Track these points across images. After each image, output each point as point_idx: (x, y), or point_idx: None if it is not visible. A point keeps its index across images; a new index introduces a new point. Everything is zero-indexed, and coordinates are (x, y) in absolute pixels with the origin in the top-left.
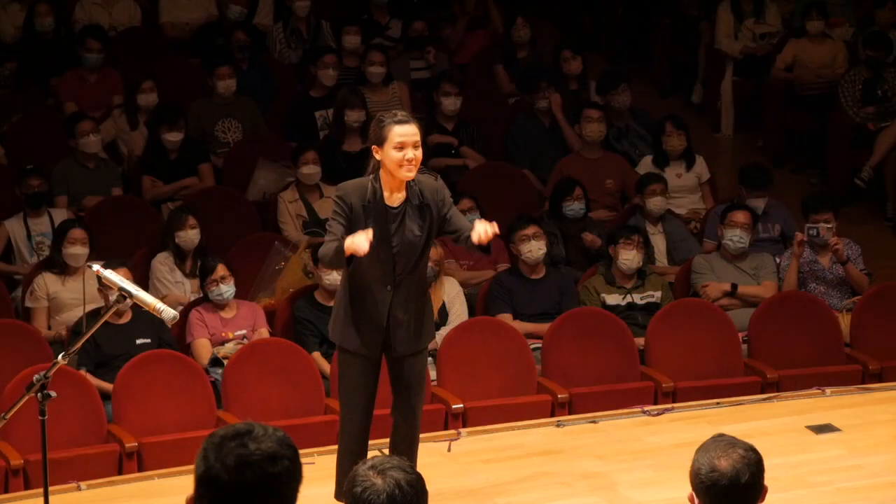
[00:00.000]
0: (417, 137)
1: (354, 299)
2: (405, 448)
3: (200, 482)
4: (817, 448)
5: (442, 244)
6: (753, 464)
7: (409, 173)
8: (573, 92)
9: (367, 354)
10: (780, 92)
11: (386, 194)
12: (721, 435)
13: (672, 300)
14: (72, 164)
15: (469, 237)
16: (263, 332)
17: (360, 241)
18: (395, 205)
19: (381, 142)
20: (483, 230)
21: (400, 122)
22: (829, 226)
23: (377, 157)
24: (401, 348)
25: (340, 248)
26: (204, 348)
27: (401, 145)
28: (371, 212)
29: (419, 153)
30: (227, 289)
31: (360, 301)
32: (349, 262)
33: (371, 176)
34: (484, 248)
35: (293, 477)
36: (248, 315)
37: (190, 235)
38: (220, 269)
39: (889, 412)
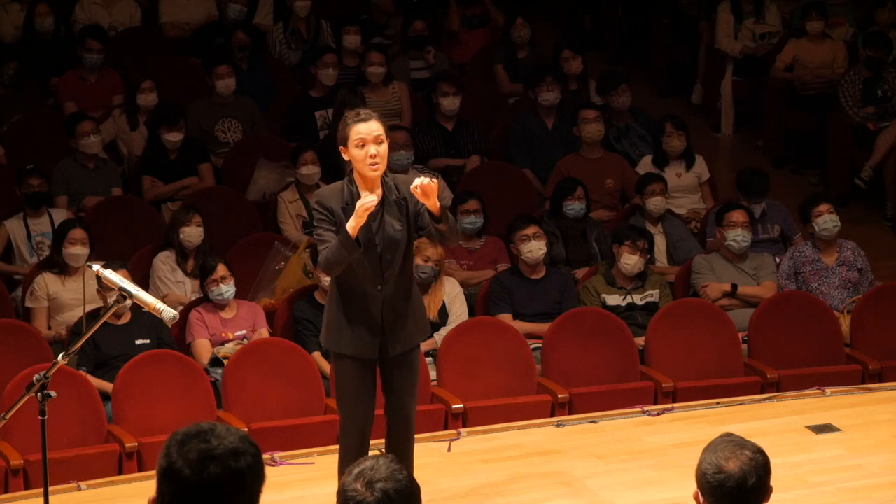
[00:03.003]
0: (379, 132)
1: (345, 303)
2: (401, 448)
3: (162, 479)
4: (817, 448)
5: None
6: (761, 466)
7: (375, 171)
8: (573, 92)
9: (363, 357)
10: (779, 92)
11: (363, 194)
12: (729, 434)
13: (671, 300)
14: (72, 164)
15: (429, 225)
16: (263, 333)
17: (364, 201)
18: None
19: (345, 142)
20: (420, 182)
21: (360, 120)
22: (834, 216)
23: (345, 157)
24: (397, 346)
25: (345, 236)
26: (204, 349)
27: (361, 142)
28: (350, 213)
29: (382, 148)
30: (227, 289)
31: (352, 304)
32: (359, 244)
33: (346, 178)
34: (437, 219)
35: (256, 474)
36: (247, 315)
37: (194, 232)
38: (221, 269)
39: (889, 412)
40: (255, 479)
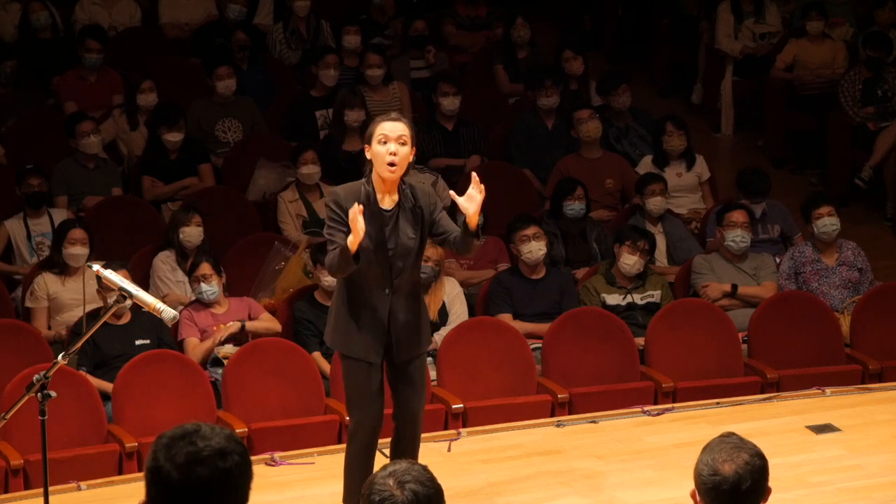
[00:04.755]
0: (402, 133)
1: (353, 305)
2: (407, 451)
3: (151, 483)
4: (817, 448)
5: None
6: (757, 470)
7: (391, 172)
8: (574, 92)
9: (371, 360)
10: (780, 92)
11: (379, 196)
12: (730, 434)
13: (672, 300)
14: (72, 164)
15: (456, 234)
16: (265, 317)
17: (357, 225)
18: (389, 207)
19: (369, 140)
20: (473, 198)
21: (388, 119)
22: (835, 218)
23: (368, 155)
24: (403, 352)
25: (344, 248)
26: (192, 346)
27: (384, 138)
28: (365, 216)
29: (403, 150)
30: (209, 288)
31: (360, 307)
32: (357, 259)
33: (364, 179)
34: (474, 234)
35: (243, 472)
36: (238, 309)
37: (194, 232)
38: (204, 268)
39: (889, 412)
40: (242, 477)
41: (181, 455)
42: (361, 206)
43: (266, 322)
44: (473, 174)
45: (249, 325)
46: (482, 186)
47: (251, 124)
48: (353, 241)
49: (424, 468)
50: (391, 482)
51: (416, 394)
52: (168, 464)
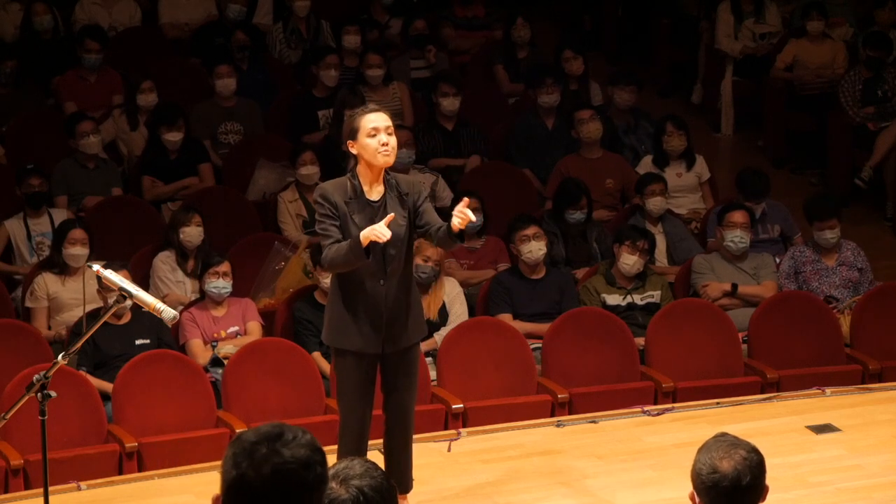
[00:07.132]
0: (389, 123)
1: (348, 299)
2: (400, 447)
3: (230, 488)
4: (817, 448)
5: None
6: (755, 466)
7: (388, 157)
8: (574, 92)
9: (366, 352)
10: (779, 92)
11: (366, 188)
12: (724, 434)
13: (672, 300)
14: (72, 164)
15: (441, 228)
16: (253, 326)
17: (381, 229)
18: (376, 198)
19: (354, 135)
20: (460, 216)
21: (371, 111)
22: (836, 231)
23: (353, 151)
24: (398, 342)
25: (356, 243)
26: (198, 348)
27: (375, 131)
28: (354, 207)
29: (393, 140)
30: (225, 285)
31: (355, 299)
32: (368, 254)
33: (349, 174)
34: (458, 236)
35: (323, 481)
36: (237, 312)
37: (194, 232)
38: (225, 266)
39: (889, 412)
40: (321, 486)
41: (267, 465)
42: (392, 216)
43: (243, 340)
44: (465, 200)
45: (224, 354)
46: (467, 214)
47: (252, 128)
48: (366, 236)
49: (365, 460)
50: (334, 484)
51: (408, 387)
52: (252, 472)
